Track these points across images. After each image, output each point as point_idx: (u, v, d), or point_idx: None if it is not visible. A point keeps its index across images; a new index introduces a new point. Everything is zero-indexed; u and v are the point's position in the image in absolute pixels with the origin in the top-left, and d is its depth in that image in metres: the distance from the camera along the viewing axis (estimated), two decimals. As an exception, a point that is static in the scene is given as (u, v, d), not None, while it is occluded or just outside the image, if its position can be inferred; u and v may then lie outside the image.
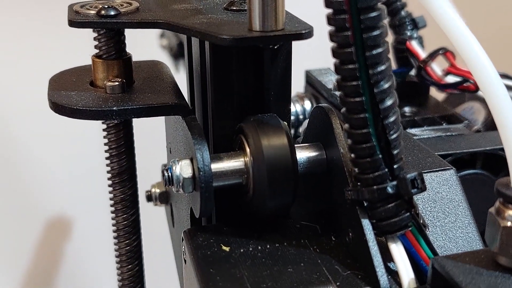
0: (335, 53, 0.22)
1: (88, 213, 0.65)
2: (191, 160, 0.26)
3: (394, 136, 0.23)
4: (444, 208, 0.28)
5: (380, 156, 0.23)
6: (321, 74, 0.43)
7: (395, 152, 0.23)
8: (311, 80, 0.43)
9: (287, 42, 0.27)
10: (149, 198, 0.41)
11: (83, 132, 0.61)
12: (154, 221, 0.47)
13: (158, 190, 0.40)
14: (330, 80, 0.42)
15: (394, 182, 0.24)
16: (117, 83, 0.29)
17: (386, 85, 0.22)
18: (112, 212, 0.33)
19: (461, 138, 0.36)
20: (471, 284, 0.21)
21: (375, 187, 0.24)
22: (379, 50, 0.22)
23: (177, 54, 0.58)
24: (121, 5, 0.29)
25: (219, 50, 0.27)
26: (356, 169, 0.24)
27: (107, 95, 0.29)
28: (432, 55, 0.42)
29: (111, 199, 0.33)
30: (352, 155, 0.24)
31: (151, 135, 0.48)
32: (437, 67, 0.42)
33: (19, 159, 0.64)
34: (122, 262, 0.34)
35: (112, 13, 0.28)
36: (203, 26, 0.26)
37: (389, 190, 0.24)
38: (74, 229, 0.66)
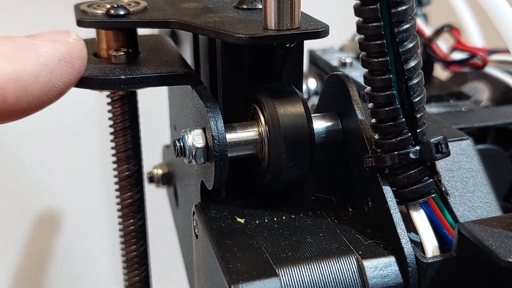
0: (358, 10, 0.21)
1: (80, 210, 0.63)
2: (204, 130, 0.25)
3: (418, 98, 0.22)
4: (463, 178, 0.27)
5: (403, 119, 0.22)
6: (325, 53, 0.42)
7: (418, 115, 0.23)
8: (314, 59, 0.42)
9: (302, 41, 0.27)
10: (151, 179, 0.39)
11: (74, 125, 0.59)
12: (160, 223, 0.46)
13: (160, 171, 0.39)
14: (334, 58, 0.41)
15: (417, 147, 0.23)
16: (122, 52, 0.28)
17: (411, 45, 0.22)
18: (116, 190, 0.32)
19: (471, 113, 0.36)
20: (501, 247, 0.20)
21: (396, 152, 0.23)
22: (404, 7, 0.21)
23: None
24: (129, 5, 0.28)
25: (231, 48, 0.27)
26: (376, 135, 0.24)
27: (113, 65, 0.27)
28: (438, 32, 0.41)
29: (115, 176, 0.32)
30: (373, 120, 0.23)
31: (150, 115, 0.47)
32: (443, 44, 0.41)
33: (9, 155, 0.63)
34: (128, 268, 0.33)
35: (122, 12, 0.27)
36: (217, 25, 0.26)
37: (412, 155, 0.23)
38: (65, 226, 0.64)
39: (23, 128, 0.57)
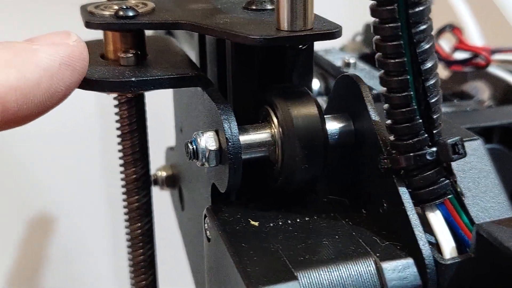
0: (375, 11, 0.21)
1: (80, 211, 0.63)
2: (216, 132, 0.25)
3: (435, 99, 0.22)
4: (475, 178, 0.27)
5: (420, 121, 0.22)
6: (328, 54, 0.42)
7: (435, 116, 0.23)
8: (317, 60, 0.42)
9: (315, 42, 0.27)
10: (155, 182, 0.39)
11: (75, 125, 0.59)
12: (166, 226, 0.46)
13: (164, 174, 0.39)
14: (337, 59, 0.41)
15: (434, 148, 0.23)
16: (131, 54, 0.27)
17: (427, 46, 0.22)
18: (123, 193, 0.32)
19: (476, 113, 0.36)
20: (522, 248, 0.20)
21: (412, 153, 0.23)
22: (422, 7, 0.21)
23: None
24: (137, 6, 0.28)
25: (242, 49, 0.26)
26: (392, 136, 0.23)
27: (122, 67, 0.27)
28: (440, 32, 0.41)
29: (122, 179, 0.31)
30: (389, 121, 0.23)
31: (154, 117, 0.46)
32: (445, 44, 0.41)
33: (9, 155, 0.62)
34: (135, 272, 0.33)
35: (131, 14, 0.27)
36: (228, 26, 0.25)
37: (429, 156, 0.23)
38: (65, 227, 0.64)
39: (23, 128, 0.56)
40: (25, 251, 0.62)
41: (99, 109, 0.55)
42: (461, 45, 0.40)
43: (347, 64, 0.39)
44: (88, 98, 0.47)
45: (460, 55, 0.41)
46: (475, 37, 0.45)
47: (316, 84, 0.41)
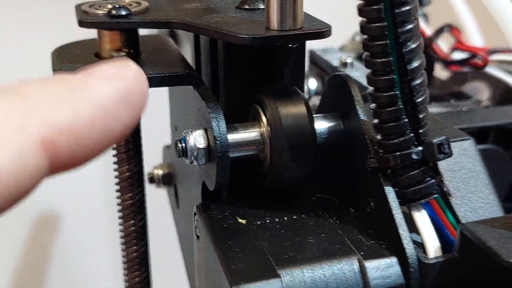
0: (362, 11, 0.21)
1: (80, 210, 0.63)
2: (205, 130, 0.25)
3: (421, 99, 0.22)
4: (464, 178, 0.27)
5: (406, 120, 0.22)
6: (326, 53, 0.42)
7: (421, 116, 0.23)
8: (315, 59, 0.42)
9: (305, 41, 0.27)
10: (152, 180, 0.39)
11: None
12: (160, 224, 0.46)
13: (160, 172, 0.39)
14: (335, 58, 0.41)
15: (420, 148, 0.23)
16: (124, 53, 0.28)
17: (414, 45, 0.22)
18: (117, 191, 0.32)
19: (472, 113, 0.36)
20: (504, 248, 0.20)
21: (399, 153, 0.23)
22: (408, 7, 0.21)
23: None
24: (130, 5, 0.28)
25: (233, 48, 0.26)
26: (379, 135, 0.24)
27: (114, 65, 0.27)
28: (438, 32, 0.41)
29: (116, 177, 0.32)
30: (376, 120, 0.23)
31: (150, 116, 0.46)
32: (443, 44, 0.41)
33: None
34: (129, 269, 0.33)
35: (124, 13, 0.27)
36: (219, 26, 0.25)
37: (415, 155, 0.23)
38: (64, 226, 0.64)
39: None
40: (25, 250, 0.63)
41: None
42: (459, 45, 0.40)
43: (344, 64, 0.39)
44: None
45: (458, 55, 0.41)
46: (475, 37, 0.45)
47: (313, 83, 0.41)
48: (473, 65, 0.40)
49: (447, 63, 0.41)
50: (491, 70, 0.41)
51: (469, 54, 0.39)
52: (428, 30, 0.42)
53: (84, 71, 0.20)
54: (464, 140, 0.28)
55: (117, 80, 0.20)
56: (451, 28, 0.41)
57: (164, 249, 0.47)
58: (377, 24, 0.21)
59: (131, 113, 0.20)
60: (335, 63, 0.40)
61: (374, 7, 0.21)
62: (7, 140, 0.16)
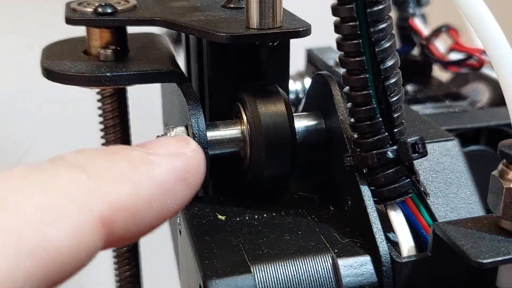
0: (335, 10, 0.22)
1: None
2: (186, 127, 0.26)
3: (395, 98, 0.22)
4: (446, 178, 0.27)
5: (380, 119, 0.23)
6: (322, 52, 0.42)
7: (395, 115, 0.23)
8: (312, 59, 0.42)
9: (284, 40, 0.27)
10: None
11: (75, 124, 0.60)
12: None
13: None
14: (331, 58, 0.41)
15: (395, 147, 0.23)
16: (110, 50, 0.28)
17: (387, 44, 0.22)
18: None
19: (464, 114, 0.36)
20: (473, 248, 0.20)
21: (374, 151, 0.23)
22: (380, 6, 0.21)
23: (176, 40, 0.58)
24: (119, 3, 0.29)
25: (217, 46, 0.27)
26: (355, 135, 0.24)
27: (100, 62, 0.28)
28: (435, 33, 0.41)
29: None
30: (352, 120, 0.23)
31: (144, 112, 0.47)
32: (440, 45, 0.41)
33: (10, 155, 0.63)
34: (119, 263, 0.34)
35: (109, 10, 0.28)
36: (201, 24, 0.26)
37: (389, 154, 0.23)
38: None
39: (23, 127, 0.58)
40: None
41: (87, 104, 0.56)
42: (456, 46, 0.40)
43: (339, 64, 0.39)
44: (89, 95, 0.48)
45: (456, 56, 0.40)
46: (475, 37, 0.45)
47: (309, 82, 0.41)
48: (470, 66, 0.39)
49: (444, 64, 0.40)
50: (489, 71, 0.41)
51: (465, 55, 0.39)
52: (425, 30, 0.42)
53: (144, 144, 0.20)
54: (447, 140, 0.28)
55: (177, 159, 0.19)
56: (448, 29, 0.41)
57: (154, 244, 0.48)
58: (350, 23, 0.21)
59: (188, 191, 0.19)
60: (331, 62, 0.40)
61: (346, 6, 0.21)
62: (68, 216, 0.16)
